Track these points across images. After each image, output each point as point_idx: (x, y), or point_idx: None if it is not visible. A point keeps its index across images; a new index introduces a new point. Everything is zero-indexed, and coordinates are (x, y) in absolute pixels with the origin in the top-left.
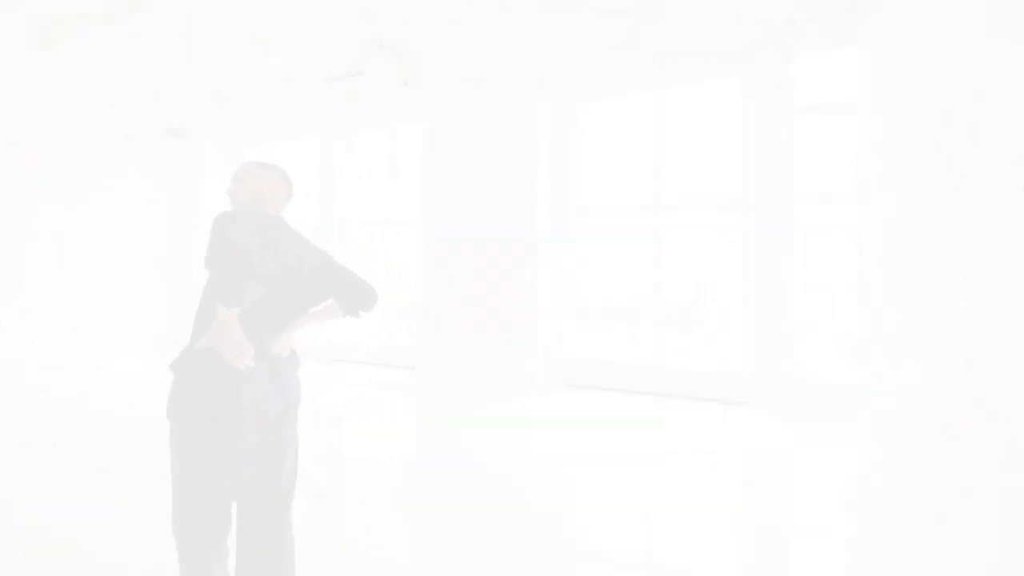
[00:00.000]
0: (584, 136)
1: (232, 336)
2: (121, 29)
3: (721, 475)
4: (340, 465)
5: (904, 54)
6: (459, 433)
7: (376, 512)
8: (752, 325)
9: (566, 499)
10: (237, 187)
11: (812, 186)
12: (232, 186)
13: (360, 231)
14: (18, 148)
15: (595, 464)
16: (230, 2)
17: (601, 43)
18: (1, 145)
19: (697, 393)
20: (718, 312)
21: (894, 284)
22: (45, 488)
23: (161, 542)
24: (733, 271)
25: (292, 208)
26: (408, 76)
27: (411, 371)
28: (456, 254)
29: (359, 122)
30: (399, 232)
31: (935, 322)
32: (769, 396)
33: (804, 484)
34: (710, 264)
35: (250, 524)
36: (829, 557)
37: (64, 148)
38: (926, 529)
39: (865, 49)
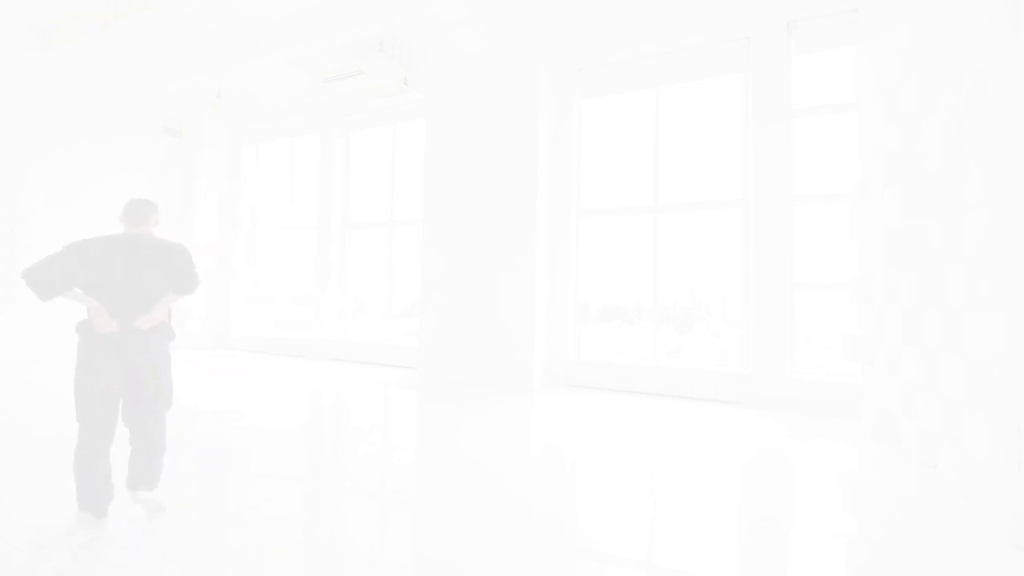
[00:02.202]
0: (584, 136)
1: (98, 314)
2: (121, 29)
3: (720, 475)
4: (340, 460)
5: (904, 54)
6: (458, 432)
7: (374, 509)
8: (752, 325)
9: (565, 498)
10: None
11: (812, 186)
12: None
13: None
14: (16, 146)
15: (594, 463)
16: (230, 2)
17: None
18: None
19: (697, 393)
20: (718, 312)
21: (894, 284)
22: (44, 488)
23: (160, 541)
24: (733, 271)
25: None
26: (408, 76)
27: (412, 370)
28: (456, 254)
29: (358, 122)
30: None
31: (935, 322)
32: (769, 396)
33: (803, 484)
34: (709, 264)
35: (136, 429)
36: (829, 557)
37: (63, 147)
38: (926, 529)
39: (864, 49)
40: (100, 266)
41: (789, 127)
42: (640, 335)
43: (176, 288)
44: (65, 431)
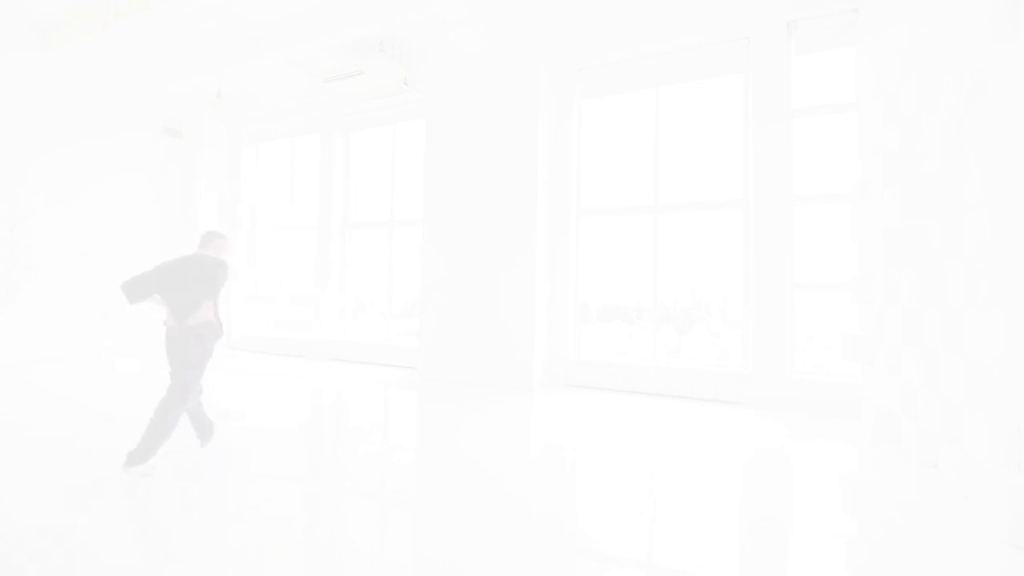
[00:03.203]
0: (584, 136)
1: (164, 314)
2: (121, 29)
3: (721, 475)
4: (340, 460)
5: (904, 54)
6: (458, 432)
7: (374, 509)
8: (752, 325)
9: (565, 498)
10: None
11: (812, 186)
12: None
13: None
14: (16, 146)
15: (594, 463)
16: (230, 3)
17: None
18: (0, 143)
19: (697, 393)
20: (718, 312)
21: (894, 284)
22: (44, 488)
23: (160, 541)
24: (733, 270)
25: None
26: (408, 76)
27: (412, 370)
28: (456, 254)
29: (358, 122)
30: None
31: (935, 322)
32: (769, 396)
33: (803, 484)
34: (709, 264)
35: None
36: (829, 557)
37: (63, 147)
38: (926, 529)
39: (864, 49)
40: (169, 280)
41: (789, 127)
42: (640, 335)
43: (204, 295)
44: (65, 431)
